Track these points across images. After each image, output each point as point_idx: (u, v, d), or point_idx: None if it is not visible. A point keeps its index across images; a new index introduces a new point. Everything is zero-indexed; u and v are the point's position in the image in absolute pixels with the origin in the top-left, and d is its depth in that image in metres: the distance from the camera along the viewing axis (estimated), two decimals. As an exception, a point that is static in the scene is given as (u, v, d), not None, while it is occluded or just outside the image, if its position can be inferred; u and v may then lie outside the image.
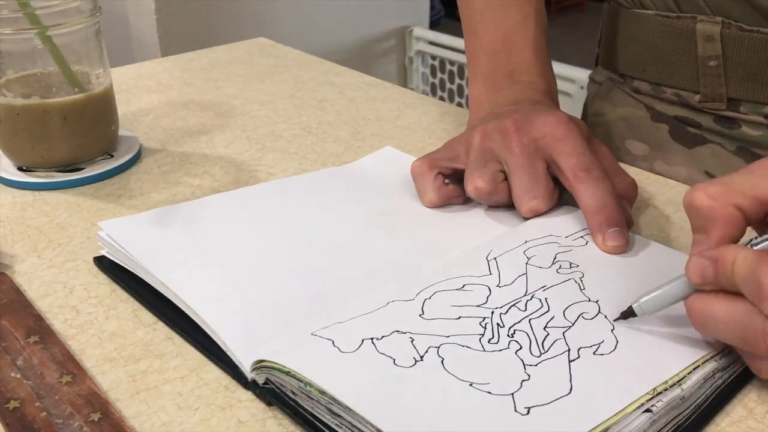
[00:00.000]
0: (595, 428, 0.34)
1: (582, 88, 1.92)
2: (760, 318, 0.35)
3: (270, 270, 0.46)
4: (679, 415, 0.36)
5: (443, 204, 0.54)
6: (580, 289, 0.43)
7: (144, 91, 0.81)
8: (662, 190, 0.59)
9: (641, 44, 0.65)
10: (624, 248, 0.47)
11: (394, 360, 0.37)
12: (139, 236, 0.49)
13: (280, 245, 0.49)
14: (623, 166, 0.58)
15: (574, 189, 0.49)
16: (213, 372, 0.41)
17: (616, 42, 0.68)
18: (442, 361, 0.37)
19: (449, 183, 0.54)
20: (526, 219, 0.51)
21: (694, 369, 0.38)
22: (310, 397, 0.36)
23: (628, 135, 0.69)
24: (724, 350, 0.39)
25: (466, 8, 0.65)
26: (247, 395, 0.39)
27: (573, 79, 1.91)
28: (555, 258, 0.46)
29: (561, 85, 1.91)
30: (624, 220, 0.48)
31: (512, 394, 0.35)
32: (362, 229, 0.51)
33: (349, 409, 0.34)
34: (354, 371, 0.37)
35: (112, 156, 0.64)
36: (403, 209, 0.54)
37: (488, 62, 0.61)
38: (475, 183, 0.51)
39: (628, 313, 0.40)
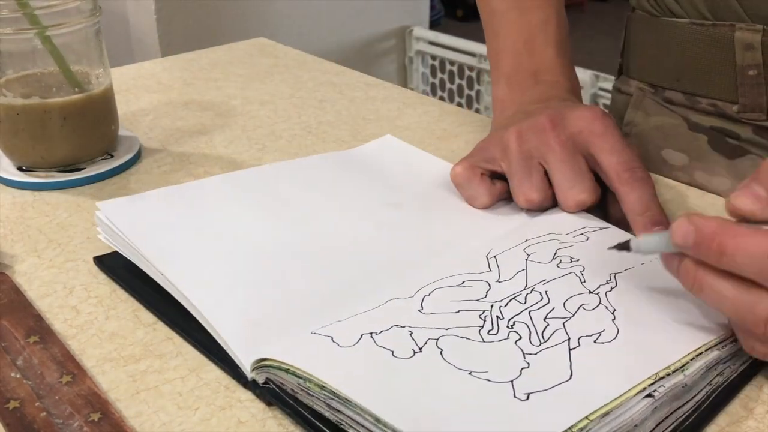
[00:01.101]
0: (594, 412, 0.33)
1: (582, 88, 1.92)
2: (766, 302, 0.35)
3: (272, 265, 0.46)
4: (679, 408, 0.36)
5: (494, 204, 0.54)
6: (581, 282, 0.43)
7: (144, 91, 0.81)
8: (662, 191, 0.59)
9: (674, 53, 0.64)
10: None
11: (392, 352, 0.37)
12: (138, 221, 0.48)
13: (283, 236, 0.49)
14: (659, 177, 0.59)
15: (618, 190, 0.48)
16: (213, 372, 0.41)
17: (645, 51, 0.67)
18: (440, 352, 0.37)
19: (495, 183, 0.53)
20: (568, 212, 0.50)
21: (697, 356, 0.37)
22: (309, 394, 0.36)
23: (665, 145, 0.67)
24: (728, 339, 0.39)
25: (487, 11, 0.65)
26: (247, 395, 0.39)
27: (573, 79, 1.90)
28: (555, 254, 0.46)
29: (561, 85, 1.91)
30: (666, 220, 0.48)
31: (511, 381, 0.35)
32: (364, 224, 0.51)
33: (349, 401, 0.34)
34: (352, 364, 0.37)
35: (112, 156, 0.64)
36: (404, 202, 0.54)
37: (511, 63, 0.61)
38: (527, 195, 0.51)
39: (623, 246, 0.42)
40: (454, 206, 0.54)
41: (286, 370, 0.37)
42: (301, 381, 0.36)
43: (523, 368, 0.36)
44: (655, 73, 0.67)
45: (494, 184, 0.53)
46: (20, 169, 0.62)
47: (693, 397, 0.37)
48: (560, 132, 0.50)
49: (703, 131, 0.64)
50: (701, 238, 0.36)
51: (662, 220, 0.47)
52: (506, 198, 0.54)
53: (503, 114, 0.59)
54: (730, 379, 0.39)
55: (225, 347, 0.41)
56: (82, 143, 0.61)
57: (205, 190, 0.53)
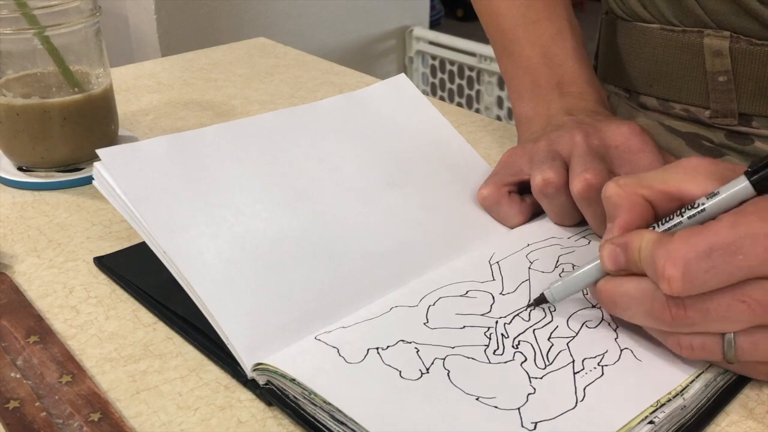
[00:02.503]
0: None
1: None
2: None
3: (272, 250, 0.44)
4: (680, 419, 0.36)
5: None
6: (584, 294, 0.43)
7: (144, 91, 0.81)
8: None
9: (646, 59, 0.63)
10: None
11: (400, 372, 0.37)
12: (137, 183, 0.45)
13: (283, 218, 0.46)
14: None
15: None
16: (213, 372, 0.41)
17: (618, 56, 0.66)
18: (448, 374, 0.37)
19: (525, 198, 0.51)
20: (576, 198, 0.47)
21: (696, 377, 0.37)
22: (313, 404, 0.36)
23: None
24: None
25: (494, 31, 0.63)
26: (247, 395, 0.39)
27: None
28: (558, 261, 0.46)
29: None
30: None
31: (519, 408, 0.35)
32: (364, 206, 0.49)
33: (355, 422, 0.34)
34: (360, 383, 0.37)
35: (112, 156, 0.64)
36: (407, 178, 0.52)
37: (531, 78, 0.59)
38: (544, 174, 0.48)
39: (540, 300, 0.42)
40: (457, 186, 0.53)
41: (292, 380, 0.37)
42: (305, 392, 0.36)
43: (529, 394, 0.36)
44: (629, 78, 0.66)
45: (524, 200, 0.51)
46: (20, 169, 0.62)
47: (692, 408, 0.37)
48: (593, 141, 0.49)
49: (680, 135, 0.64)
50: (629, 254, 0.38)
51: None
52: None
53: (530, 129, 0.56)
54: (730, 381, 0.39)
55: (226, 342, 0.40)
56: (81, 143, 0.61)
57: (205, 142, 0.49)
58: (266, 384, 0.39)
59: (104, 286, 0.48)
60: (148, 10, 1.73)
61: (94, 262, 0.50)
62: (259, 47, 0.96)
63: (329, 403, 0.35)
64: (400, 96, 0.58)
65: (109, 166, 0.45)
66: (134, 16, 1.79)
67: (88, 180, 0.61)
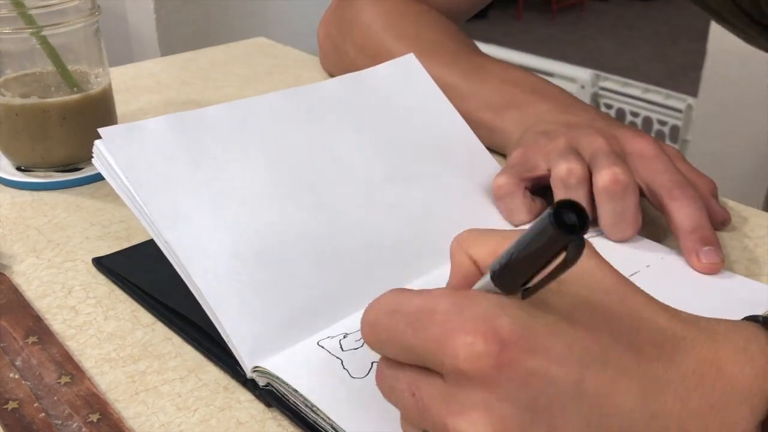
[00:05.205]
0: None
1: (583, 87, 1.92)
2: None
3: (274, 245, 0.44)
4: None
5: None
6: None
7: (143, 91, 0.81)
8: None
9: None
10: (721, 266, 0.46)
11: None
12: (139, 166, 0.43)
13: (288, 211, 0.45)
14: None
15: (667, 206, 0.48)
16: (212, 373, 0.41)
17: None
18: None
19: (535, 199, 0.52)
20: (602, 189, 0.47)
21: None
22: (315, 413, 0.36)
23: None
24: None
25: (443, 85, 0.59)
26: (246, 396, 0.39)
27: (573, 78, 1.91)
28: None
29: (561, 85, 1.91)
30: (717, 239, 0.47)
31: None
32: (369, 202, 0.48)
33: None
34: (364, 402, 0.36)
35: (111, 156, 0.64)
36: (417, 166, 0.52)
37: (499, 101, 0.60)
38: (570, 164, 0.49)
39: None
40: (461, 185, 0.53)
41: (294, 390, 0.37)
42: (308, 403, 0.36)
43: None
44: None
45: (534, 201, 0.52)
46: (19, 169, 0.62)
47: None
48: (614, 145, 0.50)
49: None
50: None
51: (713, 238, 0.46)
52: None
53: (530, 130, 0.56)
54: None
55: (226, 339, 0.40)
56: (81, 143, 0.61)
57: (209, 123, 0.48)
58: (266, 385, 0.38)
59: (103, 286, 0.48)
60: (147, 10, 1.73)
61: (93, 262, 0.50)
62: (258, 47, 0.96)
63: (332, 420, 0.35)
64: (408, 78, 0.57)
65: (109, 145, 0.44)
66: (133, 15, 1.79)
67: (88, 180, 0.61)
